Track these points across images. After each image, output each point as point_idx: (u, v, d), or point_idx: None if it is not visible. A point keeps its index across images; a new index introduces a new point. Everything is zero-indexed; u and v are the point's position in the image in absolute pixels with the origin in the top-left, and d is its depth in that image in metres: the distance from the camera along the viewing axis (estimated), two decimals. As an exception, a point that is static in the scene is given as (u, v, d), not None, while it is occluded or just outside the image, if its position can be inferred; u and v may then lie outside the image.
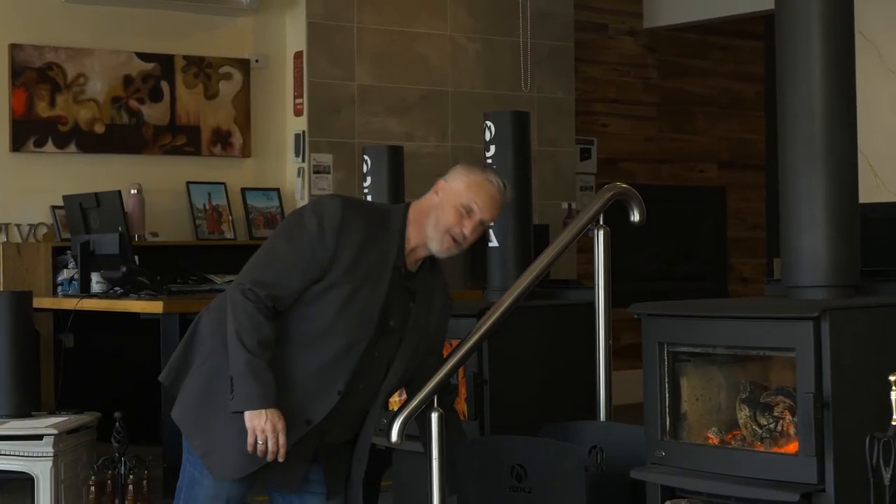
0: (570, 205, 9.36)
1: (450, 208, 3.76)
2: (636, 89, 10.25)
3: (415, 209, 3.82)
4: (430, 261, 3.88)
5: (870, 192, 7.37)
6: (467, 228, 3.75)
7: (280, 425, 3.65)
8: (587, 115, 9.87)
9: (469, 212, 3.76)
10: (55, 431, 5.81)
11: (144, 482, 5.92)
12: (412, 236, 3.80)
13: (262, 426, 3.64)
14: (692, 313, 4.07)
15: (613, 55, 10.13)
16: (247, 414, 3.64)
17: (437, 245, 3.78)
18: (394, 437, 4.34)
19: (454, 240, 3.77)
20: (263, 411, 3.64)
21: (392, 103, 8.70)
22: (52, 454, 5.78)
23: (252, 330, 3.65)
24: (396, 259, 3.77)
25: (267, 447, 3.66)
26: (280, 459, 3.68)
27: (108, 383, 7.15)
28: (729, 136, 10.74)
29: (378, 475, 5.58)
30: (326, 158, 8.34)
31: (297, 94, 8.40)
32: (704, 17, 9.89)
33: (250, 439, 3.65)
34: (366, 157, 5.94)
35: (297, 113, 8.41)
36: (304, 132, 8.32)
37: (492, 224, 4.21)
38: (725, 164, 10.73)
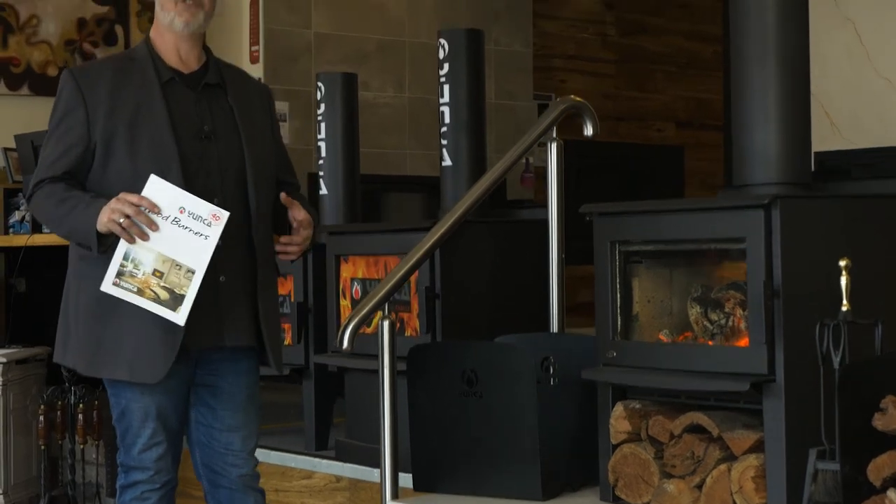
0: (527, 159, 9.31)
1: None
2: (594, 46, 10.21)
3: (153, 28, 3.69)
4: (225, 64, 3.76)
5: (825, 140, 7.38)
6: None
7: (122, 195, 3.45)
8: (546, 71, 9.82)
9: None
10: (4, 360, 5.75)
11: (94, 413, 5.85)
12: (164, 43, 3.65)
13: (110, 215, 3.43)
14: (643, 209, 4.04)
15: (571, 11, 10.09)
16: (99, 226, 3.46)
17: (179, 22, 3.61)
18: (345, 343, 4.30)
19: (186, 5, 3.60)
20: (99, 211, 3.45)
21: (349, 52, 8.63)
22: (0, 383, 5.73)
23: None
24: (161, 73, 3.63)
25: (132, 219, 3.44)
26: (150, 212, 3.45)
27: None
28: (686, 96, 10.72)
29: (329, 404, 5.53)
30: (283, 106, 8.25)
31: (254, 41, 8.32)
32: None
33: (117, 230, 3.44)
34: (319, 84, 5.88)
35: (253, 60, 8.32)
36: (259, 79, 8.23)
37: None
38: (683, 123, 10.71)
